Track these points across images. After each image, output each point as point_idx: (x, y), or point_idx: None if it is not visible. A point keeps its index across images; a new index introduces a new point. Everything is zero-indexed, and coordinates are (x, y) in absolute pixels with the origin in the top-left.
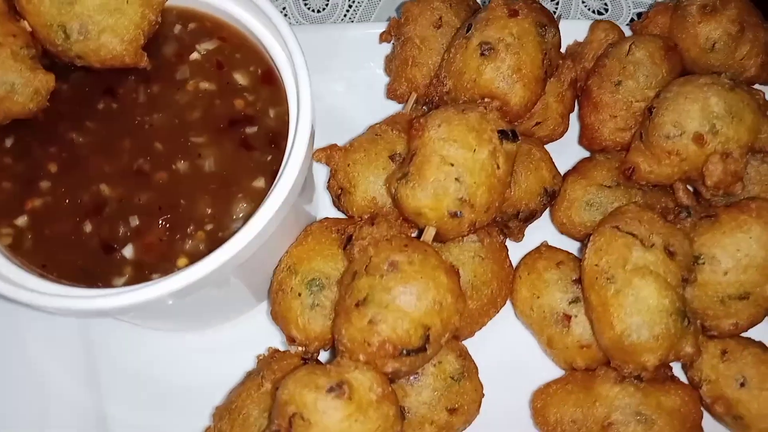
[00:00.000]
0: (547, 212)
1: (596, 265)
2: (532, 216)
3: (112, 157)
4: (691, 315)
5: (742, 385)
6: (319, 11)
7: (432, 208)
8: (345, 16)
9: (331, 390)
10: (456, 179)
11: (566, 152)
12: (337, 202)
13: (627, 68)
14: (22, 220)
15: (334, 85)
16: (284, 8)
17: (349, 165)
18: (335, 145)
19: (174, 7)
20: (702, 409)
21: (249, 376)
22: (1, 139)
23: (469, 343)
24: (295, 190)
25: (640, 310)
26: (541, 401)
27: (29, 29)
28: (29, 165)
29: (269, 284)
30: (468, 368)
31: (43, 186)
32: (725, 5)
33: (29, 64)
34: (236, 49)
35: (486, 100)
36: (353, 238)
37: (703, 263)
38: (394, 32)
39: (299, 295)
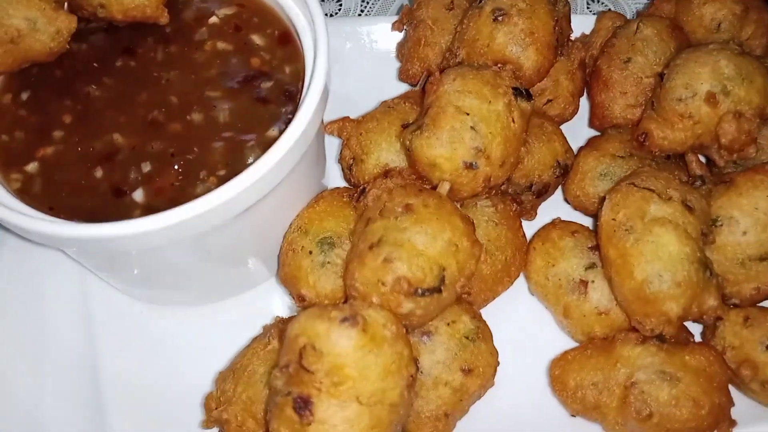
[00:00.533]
0: (559, 193)
1: (613, 219)
2: (545, 190)
3: (126, 109)
4: (713, 268)
5: None
6: (331, 15)
7: (447, 158)
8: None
9: (344, 320)
10: (472, 128)
11: (577, 137)
12: (348, 173)
13: (636, 45)
14: (32, 166)
15: (346, 76)
16: None
17: (361, 134)
18: (347, 117)
19: None
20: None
21: (254, 339)
22: (17, 93)
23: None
24: (307, 135)
25: (661, 257)
26: (559, 368)
27: None
28: (43, 116)
29: (278, 253)
30: (482, 330)
31: (56, 135)
32: None
33: (53, 5)
34: (254, 13)
35: (499, 65)
36: (366, 189)
37: (721, 225)
38: (407, 19)
39: (310, 253)
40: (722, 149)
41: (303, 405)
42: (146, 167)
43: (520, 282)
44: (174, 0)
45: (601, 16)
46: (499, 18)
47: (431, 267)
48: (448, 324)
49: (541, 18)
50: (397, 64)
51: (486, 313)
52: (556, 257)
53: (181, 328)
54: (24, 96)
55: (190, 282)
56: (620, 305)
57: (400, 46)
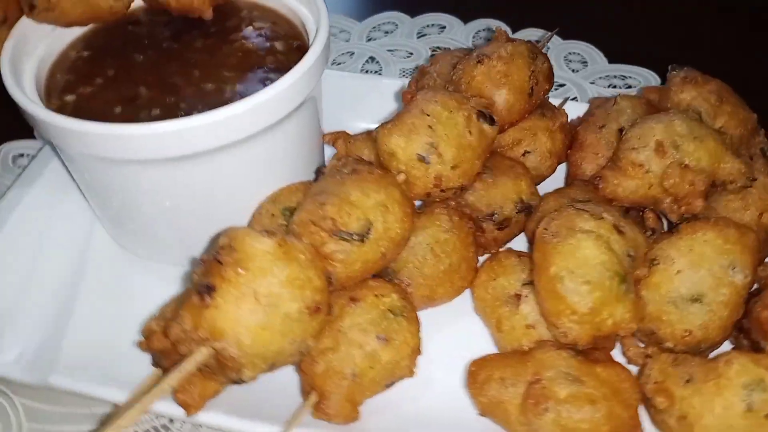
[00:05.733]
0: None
1: (545, 229)
2: (506, 224)
3: (157, 73)
4: (632, 284)
5: (688, 381)
6: None
7: (403, 148)
8: None
9: (265, 233)
10: (429, 126)
11: None
12: None
13: (611, 114)
14: (70, 97)
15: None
16: None
17: (350, 142)
18: (343, 131)
19: (250, 1)
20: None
21: None
22: (81, 51)
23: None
24: (310, 76)
25: (577, 257)
26: (476, 365)
27: None
28: (94, 68)
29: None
30: (409, 312)
31: (97, 81)
32: (706, 80)
33: None
34: (283, 29)
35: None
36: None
37: (658, 264)
38: (420, 74)
39: (273, 215)
40: (674, 203)
41: (206, 290)
42: (155, 111)
43: (468, 301)
44: (225, 10)
45: (592, 100)
46: (482, 60)
47: (358, 216)
48: (376, 295)
49: (518, 65)
50: None
51: (429, 321)
52: (498, 272)
53: (160, 284)
54: (85, 54)
55: (171, 227)
56: (540, 311)
57: (402, 90)
